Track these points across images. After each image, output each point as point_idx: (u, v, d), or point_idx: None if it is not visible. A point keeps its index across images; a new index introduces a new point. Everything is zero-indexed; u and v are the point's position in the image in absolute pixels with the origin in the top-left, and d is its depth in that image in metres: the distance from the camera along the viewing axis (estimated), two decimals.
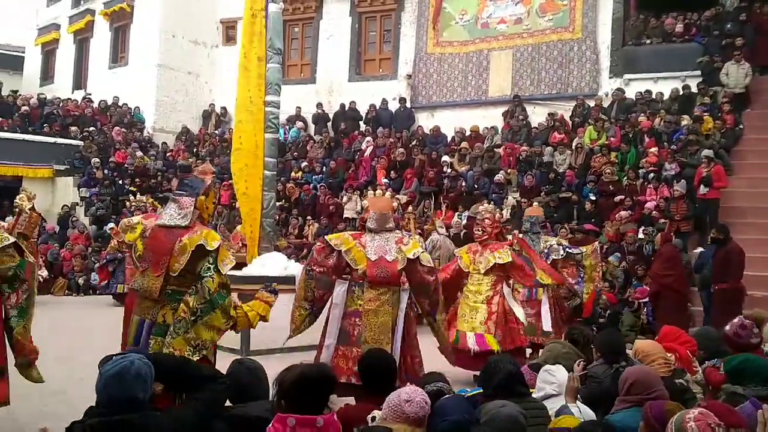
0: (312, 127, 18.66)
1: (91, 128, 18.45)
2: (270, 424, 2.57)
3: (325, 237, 5.51)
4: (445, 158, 15.27)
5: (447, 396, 3.07)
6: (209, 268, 3.82)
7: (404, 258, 5.19)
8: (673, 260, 9.86)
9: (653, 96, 14.71)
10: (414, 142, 16.28)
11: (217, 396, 2.88)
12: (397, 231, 5.73)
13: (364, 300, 5.13)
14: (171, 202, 4.06)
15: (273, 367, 3.22)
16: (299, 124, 18.60)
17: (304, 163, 16.76)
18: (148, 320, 3.85)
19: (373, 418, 2.89)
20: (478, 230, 7.03)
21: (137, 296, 3.94)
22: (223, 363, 4.32)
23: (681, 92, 14.21)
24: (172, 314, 3.81)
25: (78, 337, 8.52)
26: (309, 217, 14.93)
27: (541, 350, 7.91)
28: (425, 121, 17.34)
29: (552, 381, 3.56)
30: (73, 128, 18.26)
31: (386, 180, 15.21)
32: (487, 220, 7.02)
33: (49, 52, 23.85)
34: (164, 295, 3.86)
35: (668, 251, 10.12)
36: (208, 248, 3.84)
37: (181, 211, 3.99)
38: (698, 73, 14.26)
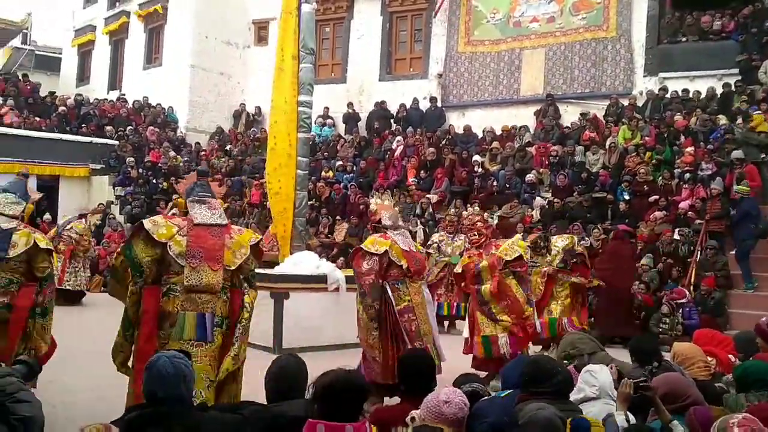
0: (342, 127, 18.72)
1: (126, 128, 18.75)
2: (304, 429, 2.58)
3: (361, 247, 5.52)
4: (477, 158, 15.20)
5: (485, 398, 3.05)
6: (254, 275, 4.21)
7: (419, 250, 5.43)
8: (613, 255, 9.85)
9: (689, 95, 14.47)
10: (444, 142, 16.23)
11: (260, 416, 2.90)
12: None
13: (411, 295, 5.24)
14: (197, 204, 4.15)
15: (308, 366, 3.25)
16: (329, 121, 18.69)
17: (339, 163, 16.81)
18: (209, 313, 3.95)
19: (413, 419, 2.87)
20: (474, 235, 6.68)
21: (175, 293, 3.94)
22: (255, 362, 4.37)
23: (720, 90, 13.96)
24: (224, 306, 4.01)
25: (113, 334, 8.62)
26: (338, 217, 14.95)
27: None
28: (456, 121, 17.27)
29: (593, 383, 3.49)
30: (109, 128, 18.59)
31: (414, 179, 15.20)
32: (479, 223, 6.71)
33: (85, 53, 24.26)
34: (221, 289, 4.02)
35: (611, 246, 10.19)
36: (258, 245, 4.22)
37: (214, 211, 4.15)
38: (735, 71, 13.97)
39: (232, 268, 4.02)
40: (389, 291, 5.23)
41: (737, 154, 11.81)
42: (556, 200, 12.96)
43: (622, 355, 7.13)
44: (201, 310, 3.94)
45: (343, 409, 2.63)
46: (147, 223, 4.00)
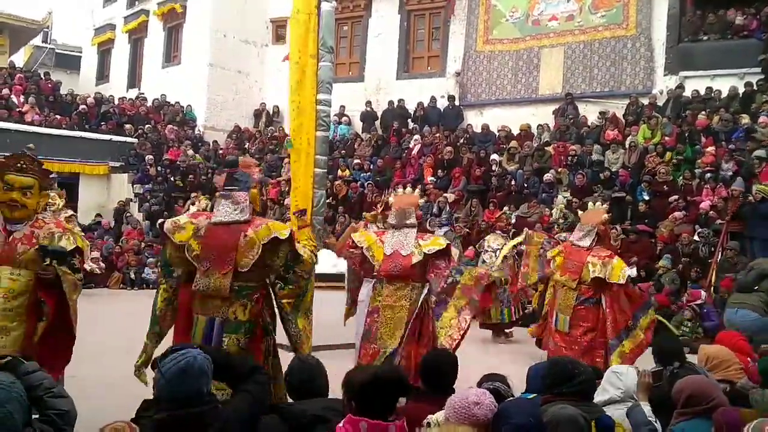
0: (359, 125, 18.73)
1: (145, 126, 18.87)
2: (341, 423, 2.57)
3: (352, 235, 5.50)
4: (494, 157, 15.14)
5: (511, 398, 3.03)
6: (297, 257, 3.92)
7: (421, 252, 5.13)
8: None
9: (711, 94, 14.31)
10: (462, 141, 16.19)
11: (263, 388, 2.91)
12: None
13: (382, 296, 5.14)
14: (222, 199, 3.97)
15: (324, 365, 3.24)
16: (345, 119, 18.72)
17: (356, 161, 16.82)
18: (218, 319, 3.79)
19: (429, 424, 2.85)
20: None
21: (196, 295, 3.87)
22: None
23: (742, 90, 13.79)
24: (243, 310, 3.79)
25: (134, 330, 8.67)
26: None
27: None
28: (474, 119, 17.23)
29: (618, 386, 3.45)
30: (128, 126, 18.69)
31: (432, 178, 15.16)
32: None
33: (104, 52, 24.46)
34: (233, 292, 3.77)
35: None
36: (281, 238, 3.83)
37: (236, 206, 3.91)
38: (758, 70, 13.80)
39: (245, 270, 3.78)
40: (366, 289, 5.23)
41: (759, 153, 11.68)
42: (574, 200, 12.87)
43: None
44: (212, 314, 3.81)
45: (384, 405, 2.63)
46: (168, 224, 3.91)
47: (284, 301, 3.93)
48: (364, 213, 11.79)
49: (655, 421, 3.22)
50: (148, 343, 3.94)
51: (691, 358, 4.46)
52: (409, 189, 5.85)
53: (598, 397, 3.43)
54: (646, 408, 3.21)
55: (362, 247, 5.23)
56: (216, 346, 3.69)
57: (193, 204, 12.84)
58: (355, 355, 5.15)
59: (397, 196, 5.62)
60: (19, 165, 4.05)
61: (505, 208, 13.14)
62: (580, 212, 7.66)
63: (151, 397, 2.71)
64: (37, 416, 2.57)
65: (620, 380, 3.49)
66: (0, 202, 4.02)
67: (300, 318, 4.00)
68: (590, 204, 7.55)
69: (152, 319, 3.94)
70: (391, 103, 18.17)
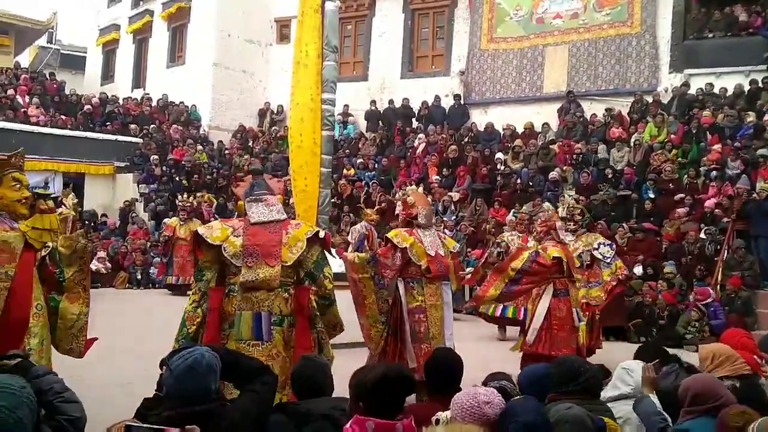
0: (364, 125, 18.73)
1: (150, 126, 18.90)
2: (348, 425, 2.56)
3: (387, 236, 5.47)
4: (499, 155, 15.12)
5: (518, 397, 3.02)
6: (326, 258, 4.18)
7: (448, 252, 5.37)
8: None
9: (715, 90, 14.27)
10: (466, 139, 16.18)
11: (270, 388, 2.91)
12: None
13: (425, 296, 5.20)
14: (254, 203, 4.18)
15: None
16: (350, 119, 18.72)
17: (360, 160, 16.83)
18: (265, 312, 3.94)
19: (438, 421, 2.84)
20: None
21: (237, 292, 3.97)
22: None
23: (747, 87, 13.75)
24: (285, 303, 4.00)
25: (140, 330, 8.71)
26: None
27: None
28: (478, 118, 17.21)
29: (629, 382, 3.46)
30: (133, 126, 18.72)
31: (437, 177, 15.15)
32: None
33: (109, 52, 24.49)
34: (279, 285, 4.01)
35: None
36: (320, 236, 4.15)
37: (270, 207, 4.16)
38: (763, 67, 13.78)
39: (289, 263, 4.00)
40: (401, 288, 5.22)
41: (763, 151, 11.65)
42: (580, 198, 12.83)
43: (615, 349, 7.05)
44: (257, 309, 3.95)
45: (392, 404, 2.63)
46: (200, 229, 4.10)
47: (313, 297, 4.13)
48: (366, 210, 11.85)
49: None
50: (176, 346, 3.87)
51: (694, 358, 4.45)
52: (414, 187, 5.97)
53: (609, 392, 3.45)
54: (655, 399, 3.21)
55: (404, 247, 5.20)
56: (267, 339, 3.92)
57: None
58: (413, 356, 5.13)
59: (415, 194, 5.64)
60: (20, 163, 4.10)
61: (517, 206, 13.09)
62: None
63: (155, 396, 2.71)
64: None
65: (631, 376, 3.50)
66: (15, 201, 3.99)
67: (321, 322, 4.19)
68: (544, 206, 7.71)
69: (181, 323, 4.02)
70: (392, 102, 18.16)
